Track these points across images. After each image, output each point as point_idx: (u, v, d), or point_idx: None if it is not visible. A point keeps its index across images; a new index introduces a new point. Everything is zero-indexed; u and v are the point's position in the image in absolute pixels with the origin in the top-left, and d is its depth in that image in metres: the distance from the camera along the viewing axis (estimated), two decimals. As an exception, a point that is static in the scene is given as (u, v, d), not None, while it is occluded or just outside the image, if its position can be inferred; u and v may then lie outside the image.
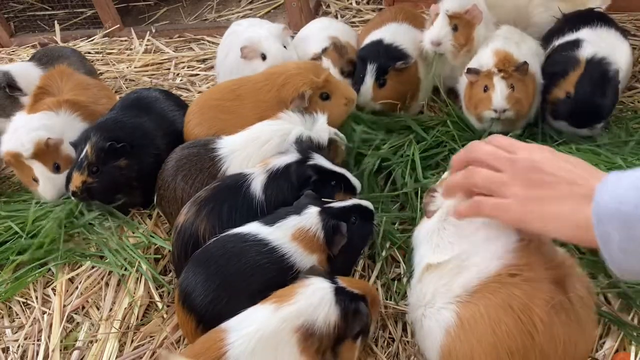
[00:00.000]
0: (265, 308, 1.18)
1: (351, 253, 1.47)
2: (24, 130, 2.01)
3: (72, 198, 1.89)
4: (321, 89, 1.89)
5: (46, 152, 2.01)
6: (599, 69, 1.81)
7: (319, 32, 2.38)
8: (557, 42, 2.04)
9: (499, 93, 1.84)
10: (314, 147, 1.66)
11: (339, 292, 1.19)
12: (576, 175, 0.96)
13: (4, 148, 2.02)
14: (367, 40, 2.25)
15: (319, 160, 1.59)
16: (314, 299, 1.16)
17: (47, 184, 2.01)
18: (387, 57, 2.11)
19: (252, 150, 1.69)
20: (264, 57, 2.22)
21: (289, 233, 1.36)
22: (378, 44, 2.16)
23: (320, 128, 1.73)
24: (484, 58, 1.93)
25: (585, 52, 1.86)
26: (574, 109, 1.83)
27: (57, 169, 2.04)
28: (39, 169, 2.01)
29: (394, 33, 2.20)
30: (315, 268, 1.30)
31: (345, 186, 1.61)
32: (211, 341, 1.14)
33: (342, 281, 1.25)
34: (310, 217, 1.38)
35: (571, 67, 1.85)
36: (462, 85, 2.03)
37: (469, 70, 1.93)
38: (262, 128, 1.74)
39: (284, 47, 2.25)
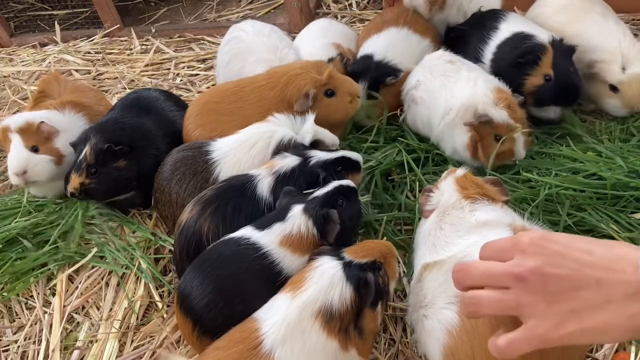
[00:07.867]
0: (284, 297, 1.19)
1: (347, 236, 1.44)
2: (25, 114, 2.02)
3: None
4: (325, 86, 1.88)
5: (32, 133, 1.94)
6: (564, 47, 1.89)
7: (321, 37, 2.37)
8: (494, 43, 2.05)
9: (522, 145, 1.76)
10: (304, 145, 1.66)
11: (347, 267, 1.18)
12: (598, 269, 0.82)
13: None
14: (362, 50, 2.20)
15: (318, 155, 1.59)
16: (325, 281, 1.16)
17: (13, 155, 1.92)
18: (377, 73, 2.07)
19: (242, 154, 1.69)
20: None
21: (278, 237, 1.35)
22: (368, 59, 2.12)
23: (305, 130, 1.72)
24: (483, 100, 1.73)
25: (545, 37, 1.91)
26: (559, 87, 1.86)
27: (34, 150, 1.95)
28: (15, 142, 1.93)
29: (387, 45, 2.15)
30: (322, 248, 1.29)
31: (349, 165, 1.63)
32: (247, 331, 1.16)
33: (349, 253, 1.23)
34: (295, 218, 1.36)
35: (540, 52, 1.88)
36: (457, 141, 1.82)
37: (481, 122, 1.69)
38: (249, 131, 1.74)
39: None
